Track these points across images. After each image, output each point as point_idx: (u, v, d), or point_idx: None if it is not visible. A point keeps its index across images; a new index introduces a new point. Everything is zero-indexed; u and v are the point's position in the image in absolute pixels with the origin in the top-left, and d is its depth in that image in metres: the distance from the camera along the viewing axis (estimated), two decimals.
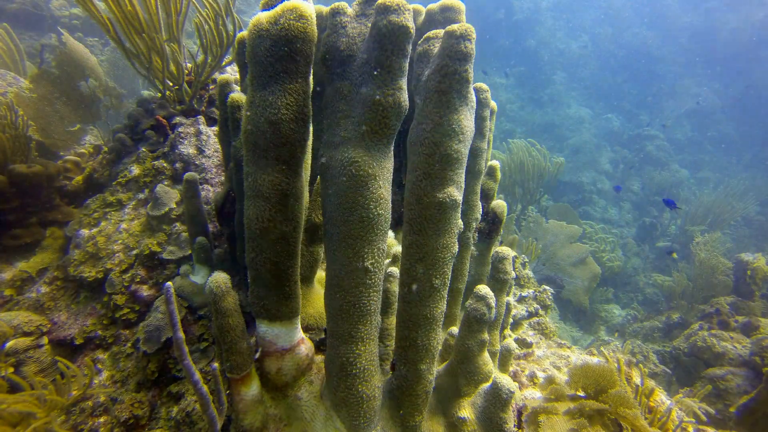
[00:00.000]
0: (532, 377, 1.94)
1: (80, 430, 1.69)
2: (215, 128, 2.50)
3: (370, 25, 1.02)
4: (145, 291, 2.01)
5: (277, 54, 0.97)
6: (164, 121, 2.53)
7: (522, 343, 2.34)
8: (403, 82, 1.00)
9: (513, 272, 2.06)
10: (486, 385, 1.33)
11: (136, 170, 2.42)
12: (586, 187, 10.00)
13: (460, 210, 1.09)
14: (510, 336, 2.31)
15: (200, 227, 1.84)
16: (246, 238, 1.12)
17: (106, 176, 2.56)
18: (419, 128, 1.05)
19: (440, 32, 1.06)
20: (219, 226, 2.07)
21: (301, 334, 1.29)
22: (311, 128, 1.25)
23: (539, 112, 13.06)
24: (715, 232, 5.88)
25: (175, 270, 2.05)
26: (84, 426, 1.69)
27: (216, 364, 1.04)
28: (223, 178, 2.32)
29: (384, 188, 1.03)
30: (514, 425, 1.35)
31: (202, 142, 2.42)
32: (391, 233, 1.87)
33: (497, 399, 1.26)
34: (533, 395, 1.76)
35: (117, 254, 2.13)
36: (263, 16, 0.97)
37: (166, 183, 2.33)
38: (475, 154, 1.58)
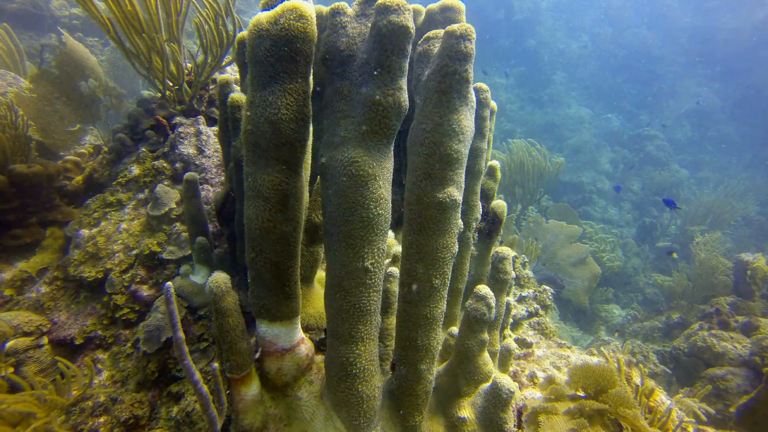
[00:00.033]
0: (532, 377, 1.94)
1: (80, 430, 1.69)
2: (215, 128, 2.50)
3: (370, 25, 1.02)
4: (145, 291, 2.01)
5: (277, 54, 0.97)
6: (164, 121, 2.53)
7: (522, 343, 2.34)
8: (403, 82, 1.00)
9: (513, 272, 2.06)
10: (486, 385, 1.33)
11: (136, 170, 2.42)
12: (586, 187, 10.00)
13: (460, 210, 1.09)
14: (510, 336, 2.31)
15: (200, 227, 1.84)
16: (246, 238, 1.12)
17: (106, 176, 2.56)
18: (419, 128, 1.05)
19: (440, 32, 1.06)
20: (219, 226, 2.07)
21: (301, 334, 1.29)
22: (311, 128, 1.25)
23: (539, 112, 13.06)
24: (715, 232, 5.88)
25: (175, 270, 2.05)
26: (84, 426, 1.69)
27: (216, 364, 1.04)
28: (223, 178, 2.32)
29: (384, 188, 1.03)
30: (514, 425, 1.35)
31: (202, 142, 2.42)
32: (391, 233, 1.87)
33: (497, 399, 1.26)
34: (533, 395, 1.76)
35: (117, 254, 2.13)
36: (263, 16, 0.97)
37: (166, 183, 2.33)
38: (475, 154, 1.58)
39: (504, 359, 1.73)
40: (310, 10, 0.97)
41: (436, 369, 1.28)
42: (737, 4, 14.72)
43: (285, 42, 0.95)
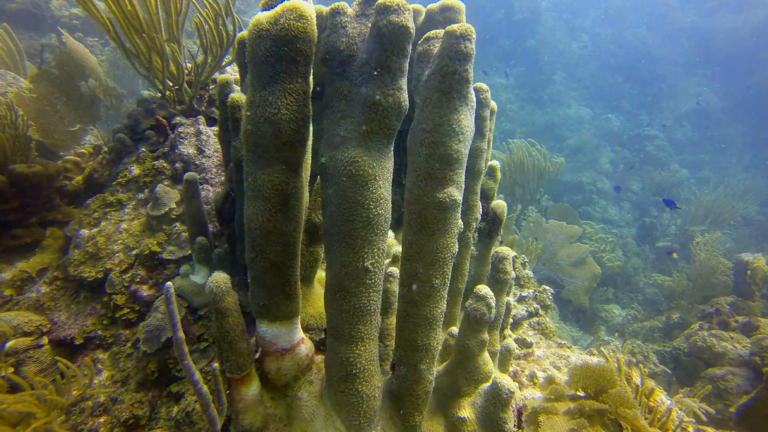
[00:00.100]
0: (532, 377, 1.94)
1: (80, 430, 1.69)
2: (215, 128, 2.50)
3: (370, 25, 1.02)
4: (145, 291, 2.01)
5: (277, 54, 0.97)
6: (164, 121, 2.53)
7: (522, 343, 2.34)
8: (403, 82, 1.00)
9: (513, 272, 2.06)
10: (486, 385, 1.33)
11: (136, 170, 2.42)
12: (586, 187, 10.00)
13: (460, 210, 1.09)
14: (510, 336, 2.31)
15: (200, 227, 1.84)
16: (246, 238, 1.12)
17: (106, 176, 2.56)
18: (419, 128, 1.05)
19: (440, 32, 1.06)
20: (219, 226, 2.07)
21: (301, 334, 1.29)
22: (311, 128, 1.25)
23: (539, 112, 13.06)
24: (715, 232, 5.88)
25: (175, 270, 2.05)
26: (84, 426, 1.69)
27: (216, 364, 1.04)
28: (223, 178, 2.32)
29: (384, 188, 1.03)
30: (514, 425, 1.35)
31: (202, 142, 2.42)
32: (391, 233, 1.87)
33: (497, 399, 1.26)
34: (533, 395, 1.76)
35: (117, 254, 2.13)
36: (263, 16, 0.97)
37: (166, 183, 2.33)
38: (475, 154, 1.58)
39: (504, 359, 1.73)
40: (310, 10, 0.97)
41: (436, 369, 1.28)
42: (737, 4, 14.72)
43: (285, 42, 0.95)
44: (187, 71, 2.65)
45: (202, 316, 1.85)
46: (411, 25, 0.94)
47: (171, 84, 2.58)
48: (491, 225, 1.78)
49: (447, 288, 1.15)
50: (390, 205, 1.06)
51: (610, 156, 11.41)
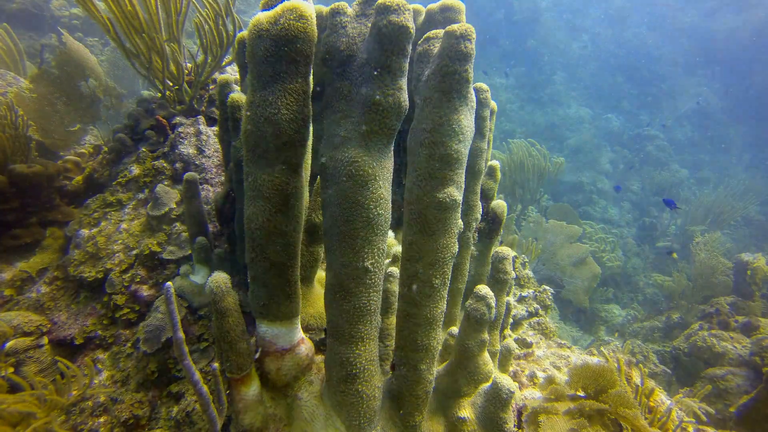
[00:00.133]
0: (532, 377, 1.94)
1: (80, 430, 1.69)
2: (215, 128, 2.50)
3: (370, 25, 1.02)
4: (145, 291, 2.01)
5: (277, 54, 0.97)
6: (164, 121, 2.53)
7: (522, 343, 2.34)
8: (403, 82, 1.00)
9: (513, 272, 2.06)
10: (486, 385, 1.33)
11: (136, 170, 2.42)
12: (586, 187, 10.00)
13: (460, 210, 1.09)
14: (510, 336, 2.31)
15: (200, 227, 1.84)
16: (246, 238, 1.12)
17: (106, 176, 2.56)
18: (419, 128, 1.05)
19: (440, 32, 1.06)
20: (219, 226, 2.07)
21: (301, 334, 1.29)
22: (311, 128, 1.25)
23: (539, 112, 13.06)
24: (715, 232, 5.88)
25: (175, 270, 2.05)
26: (84, 426, 1.69)
27: (216, 364, 1.04)
28: (223, 178, 2.32)
29: (384, 188, 1.03)
30: (514, 425, 1.35)
31: (202, 142, 2.42)
32: (391, 233, 1.87)
33: (497, 399, 1.26)
34: (533, 395, 1.76)
35: (117, 254, 2.13)
36: (263, 16, 0.97)
37: (166, 183, 2.33)
38: (475, 154, 1.58)
39: (504, 359, 1.73)
40: (310, 10, 0.97)
41: (436, 369, 1.28)
42: (737, 4, 14.72)
43: (285, 42, 0.95)
44: (187, 71, 2.65)
45: (202, 316, 1.85)
46: (411, 25, 0.94)
47: (171, 84, 2.58)
48: (491, 225, 1.78)
49: (447, 288, 1.15)
50: (390, 205, 1.06)
51: (610, 156, 11.41)
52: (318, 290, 1.61)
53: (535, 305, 2.77)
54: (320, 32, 1.07)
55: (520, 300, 2.82)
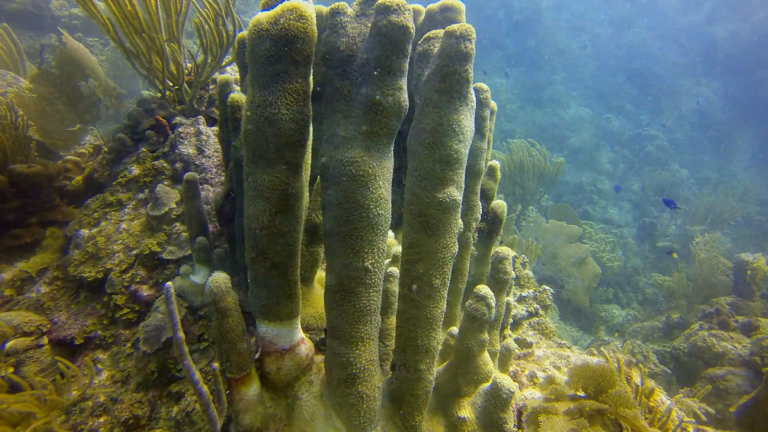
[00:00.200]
0: (532, 377, 1.94)
1: (80, 430, 1.69)
2: (215, 128, 2.50)
3: (370, 25, 1.02)
4: (145, 291, 2.01)
5: (277, 54, 0.97)
6: (164, 121, 2.53)
7: (522, 343, 2.34)
8: (403, 82, 1.00)
9: (513, 272, 2.06)
10: (486, 385, 1.33)
11: (136, 170, 2.42)
12: (586, 187, 10.00)
13: (460, 210, 1.09)
14: (510, 336, 2.31)
15: (200, 227, 1.84)
16: (246, 238, 1.12)
17: (106, 176, 2.56)
18: (419, 128, 1.05)
19: (440, 32, 1.06)
20: (219, 226, 2.07)
21: (301, 334, 1.29)
22: (311, 128, 1.25)
23: (539, 112, 13.05)
24: (715, 232, 5.88)
25: (175, 270, 2.05)
26: (84, 426, 1.69)
27: (216, 364, 1.04)
28: (223, 178, 2.32)
29: (384, 188, 1.03)
30: (514, 425, 1.35)
31: (202, 142, 2.42)
32: (391, 233, 1.87)
33: (497, 399, 1.26)
34: (533, 395, 1.76)
35: (117, 254, 2.13)
36: (263, 16, 0.97)
37: (166, 183, 2.33)
38: (475, 154, 1.58)
39: (504, 359, 1.73)
40: (310, 10, 0.97)
41: (436, 369, 1.28)
42: (737, 3, 14.72)
43: (285, 42, 0.95)
44: (187, 71, 2.65)
45: (202, 316, 1.85)
46: (411, 25, 0.94)
47: (171, 84, 2.58)
48: (491, 225, 1.78)
49: (447, 288, 1.15)
50: (390, 205, 1.06)
51: (610, 156, 11.41)
52: (318, 290, 1.61)
53: (535, 305, 2.77)
54: (320, 32, 1.07)
55: (520, 300, 2.82)
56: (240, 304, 1.14)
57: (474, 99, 1.05)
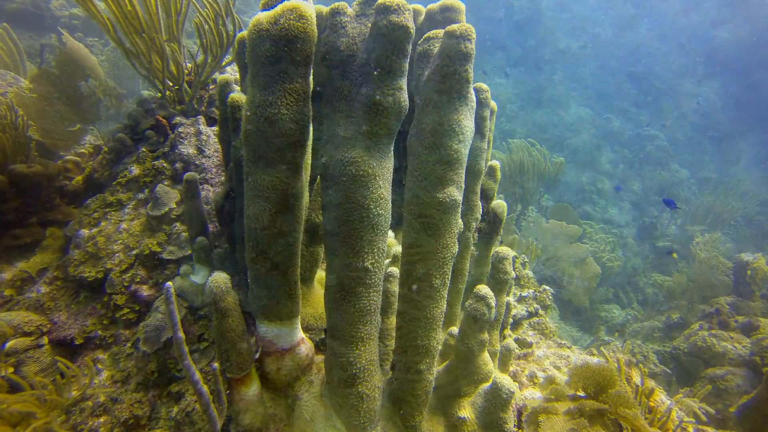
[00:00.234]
0: (532, 377, 1.94)
1: (80, 430, 1.69)
2: (215, 128, 2.50)
3: (370, 25, 1.02)
4: (145, 291, 2.01)
5: (278, 54, 0.97)
6: (164, 121, 2.53)
7: (522, 343, 2.34)
8: (403, 82, 1.00)
9: (513, 272, 2.06)
10: (486, 385, 1.33)
11: (136, 170, 2.42)
12: (586, 187, 10.00)
13: (460, 210, 1.09)
14: (510, 336, 2.31)
15: (200, 227, 1.84)
16: (246, 238, 1.12)
17: (106, 176, 2.56)
18: (419, 128, 1.05)
19: (440, 32, 1.06)
20: (219, 226, 2.07)
21: (301, 334, 1.29)
22: (311, 128, 1.25)
23: (539, 112, 13.05)
24: (715, 232, 5.88)
25: (175, 270, 2.05)
26: (84, 426, 1.69)
27: (216, 364, 1.04)
28: (223, 178, 2.32)
29: (384, 188, 1.03)
30: (514, 425, 1.35)
31: (202, 142, 2.42)
32: (391, 233, 1.87)
33: (497, 399, 1.26)
34: (533, 395, 1.76)
35: (117, 254, 2.13)
36: (263, 16, 0.97)
37: (166, 183, 2.33)
38: (475, 154, 1.58)
39: (504, 359, 1.73)
40: (310, 10, 0.97)
41: (436, 369, 1.28)
42: (737, 3, 14.72)
43: (285, 42, 0.95)
44: (187, 71, 2.65)
45: (202, 316, 1.85)
46: (411, 25, 0.94)
47: (171, 84, 2.58)
48: (491, 225, 1.78)
49: (447, 288, 1.15)
50: (390, 205, 1.06)
51: (610, 156, 11.41)
52: (318, 290, 1.61)
53: (535, 305, 2.77)
54: (320, 32, 1.07)
55: (520, 300, 2.82)
56: (240, 304, 1.14)
57: (474, 99, 1.05)
